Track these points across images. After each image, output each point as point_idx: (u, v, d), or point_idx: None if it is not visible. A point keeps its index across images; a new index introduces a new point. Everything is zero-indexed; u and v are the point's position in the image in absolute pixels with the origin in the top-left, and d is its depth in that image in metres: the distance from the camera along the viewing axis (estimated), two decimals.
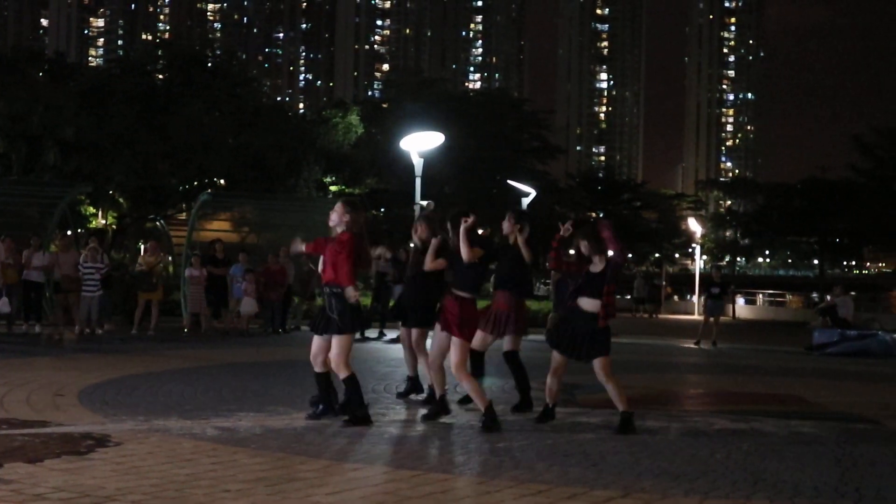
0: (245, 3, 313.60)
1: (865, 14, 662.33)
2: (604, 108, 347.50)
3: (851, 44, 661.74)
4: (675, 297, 68.32)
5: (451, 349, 10.47)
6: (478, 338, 11.04)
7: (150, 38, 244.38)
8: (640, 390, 13.62)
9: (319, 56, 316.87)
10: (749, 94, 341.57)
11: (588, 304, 10.42)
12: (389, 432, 9.84)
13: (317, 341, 10.42)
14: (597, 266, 10.46)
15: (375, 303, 24.93)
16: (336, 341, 10.13)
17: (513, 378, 11.78)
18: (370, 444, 9.10)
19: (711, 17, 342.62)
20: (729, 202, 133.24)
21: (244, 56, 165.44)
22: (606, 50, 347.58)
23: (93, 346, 18.79)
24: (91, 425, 9.46)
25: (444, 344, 10.73)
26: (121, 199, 47.50)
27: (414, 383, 12.45)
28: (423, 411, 11.06)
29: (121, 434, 8.95)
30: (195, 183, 46.61)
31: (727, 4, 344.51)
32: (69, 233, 27.72)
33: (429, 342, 11.86)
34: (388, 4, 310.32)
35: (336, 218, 10.26)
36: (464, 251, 10.42)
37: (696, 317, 46.61)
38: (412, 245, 12.38)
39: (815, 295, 65.76)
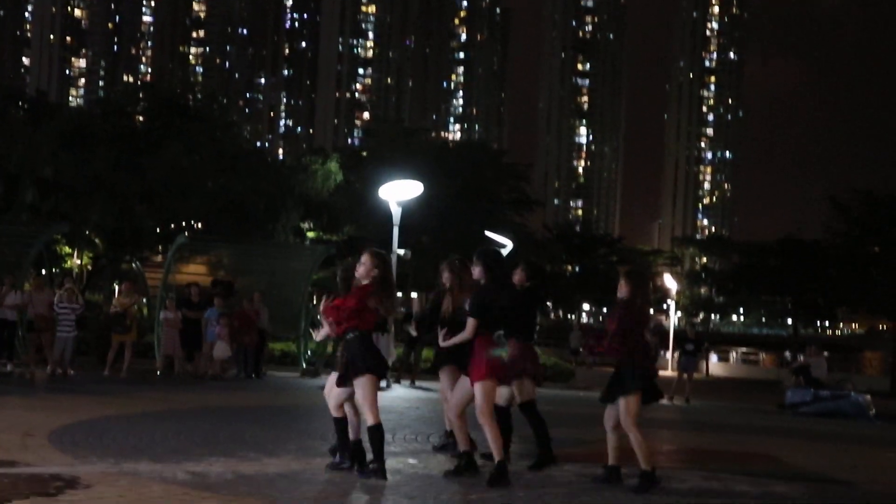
0: (227, 48, 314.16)
1: (842, 75, 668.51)
2: (582, 163, 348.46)
3: (829, 104, 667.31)
4: None
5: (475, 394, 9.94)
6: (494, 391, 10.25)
7: (131, 79, 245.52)
8: None
9: (300, 102, 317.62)
10: (727, 153, 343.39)
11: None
12: (364, 482, 9.73)
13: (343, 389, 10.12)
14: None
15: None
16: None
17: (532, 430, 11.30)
18: (342, 492, 9.05)
19: (692, 75, 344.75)
20: (704, 260, 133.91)
21: (225, 101, 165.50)
22: (587, 105, 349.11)
23: (64, 387, 18.67)
24: (60, 467, 9.40)
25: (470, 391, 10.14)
26: (97, 240, 47.40)
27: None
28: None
29: (90, 476, 8.89)
30: (172, 226, 46.60)
31: (707, 64, 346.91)
32: (43, 272, 27.59)
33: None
34: (370, 54, 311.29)
35: (363, 271, 10.11)
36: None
37: (669, 372, 46.57)
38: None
39: (787, 354, 65.79)
